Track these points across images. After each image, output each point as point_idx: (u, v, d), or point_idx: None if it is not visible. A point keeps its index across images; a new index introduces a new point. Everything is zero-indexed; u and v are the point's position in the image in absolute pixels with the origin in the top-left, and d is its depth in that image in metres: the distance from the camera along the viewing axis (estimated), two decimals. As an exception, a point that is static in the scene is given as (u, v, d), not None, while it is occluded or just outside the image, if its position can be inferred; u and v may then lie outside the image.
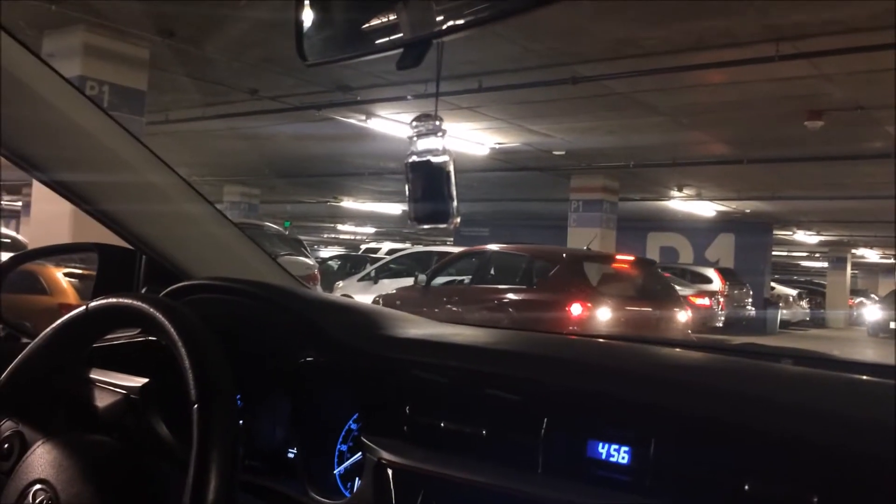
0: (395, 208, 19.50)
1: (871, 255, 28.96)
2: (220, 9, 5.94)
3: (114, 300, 0.97)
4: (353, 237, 31.76)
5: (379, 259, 15.20)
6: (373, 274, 13.16)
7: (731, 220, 18.32)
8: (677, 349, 1.17)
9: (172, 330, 0.86)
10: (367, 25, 0.76)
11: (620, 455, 0.80)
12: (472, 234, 21.64)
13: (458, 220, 0.94)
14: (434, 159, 0.92)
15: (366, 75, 7.62)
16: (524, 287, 8.27)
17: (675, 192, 15.25)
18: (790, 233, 21.22)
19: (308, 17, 0.80)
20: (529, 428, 0.85)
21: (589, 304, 7.48)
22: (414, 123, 0.91)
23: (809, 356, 1.16)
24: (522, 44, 6.47)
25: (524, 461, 0.85)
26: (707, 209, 16.79)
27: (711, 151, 10.83)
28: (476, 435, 0.89)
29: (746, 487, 0.70)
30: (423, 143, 0.92)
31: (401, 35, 0.72)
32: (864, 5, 5.27)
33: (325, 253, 27.30)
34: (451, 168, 0.93)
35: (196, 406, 0.81)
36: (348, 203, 20.18)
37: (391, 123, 9.50)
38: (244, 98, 8.64)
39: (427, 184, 0.94)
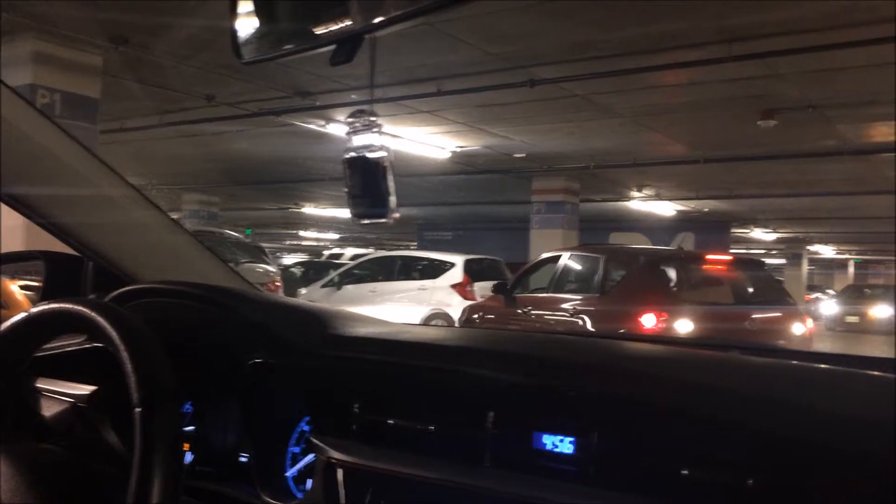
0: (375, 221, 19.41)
1: (827, 252, 29.65)
2: (174, 14, 5.87)
3: (55, 305, 0.96)
4: (316, 243, 31.59)
5: (342, 265, 15.14)
6: (336, 280, 13.11)
7: (690, 219, 18.62)
8: (628, 342, 1.19)
9: (114, 333, 0.85)
10: (300, 22, 0.76)
11: (565, 446, 0.81)
12: (436, 238, 21.69)
13: (398, 214, 0.95)
14: (370, 155, 0.92)
15: (325, 80, 7.59)
16: (596, 295, 7.32)
17: (635, 193, 15.45)
18: (748, 230, 21.62)
19: (242, 15, 0.80)
20: (476, 422, 0.86)
21: (665, 315, 6.52)
22: (350, 120, 0.91)
23: (756, 347, 1.18)
24: (480, 47, 6.51)
25: (472, 455, 0.86)
26: (667, 209, 17.04)
27: (669, 152, 10.99)
28: (424, 431, 0.89)
29: (685, 472, 0.71)
30: (359, 140, 0.92)
31: (333, 31, 0.72)
32: (814, 6, 5.40)
33: (288, 260, 27.09)
34: (389, 163, 0.93)
35: (138, 409, 0.80)
36: (310, 209, 20.07)
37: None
38: (201, 104, 8.55)
39: (364, 179, 0.94)
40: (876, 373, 0.89)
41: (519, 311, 7.90)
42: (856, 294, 21.98)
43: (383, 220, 0.98)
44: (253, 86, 7.84)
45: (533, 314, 7.74)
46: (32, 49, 6.43)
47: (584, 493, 0.78)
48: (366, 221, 1.01)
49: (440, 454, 0.88)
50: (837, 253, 30.54)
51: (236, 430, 1.16)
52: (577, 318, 7.12)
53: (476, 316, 8.88)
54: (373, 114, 0.91)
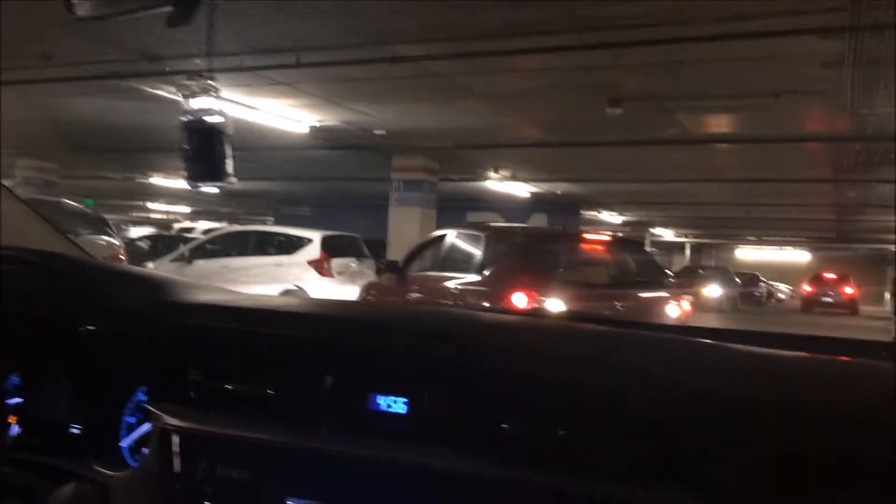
0: (211, 186, 18.70)
1: (667, 234, 31.65)
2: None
3: None
4: (165, 216, 30.15)
5: (194, 239, 14.57)
6: (187, 254, 12.61)
7: (543, 200, 19.27)
8: (474, 312, 1.24)
9: None
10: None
11: (399, 406, 0.85)
12: (294, 214, 21.28)
13: (234, 180, 0.95)
14: (208, 119, 0.91)
15: (176, 43, 7.24)
16: (474, 275, 7.11)
17: (491, 174, 15.82)
18: (597, 213, 22.68)
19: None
20: (314, 386, 0.88)
21: (535, 294, 6.31)
22: (186, 82, 0.90)
23: (580, 316, 1.27)
24: (342, 21, 6.43)
25: (310, 418, 0.88)
26: (522, 190, 17.57)
27: (524, 135, 11.34)
28: (263, 396, 0.91)
29: (505, 427, 0.77)
30: (196, 103, 0.91)
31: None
32: (657, 3, 5.72)
33: (135, 233, 25.73)
34: (226, 127, 0.92)
35: None
36: (159, 180, 19.12)
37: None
38: (37, 64, 7.92)
39: (201, 143, 0.93)
40: (693, 339, 0.99)
41: (408, 290, 7.72)
42: (690, 275, 23.62)
43: (220, 185, 0.97)
44: (97, 47, 7.36)
45: (420, 293, 7.56)
46: None
47: (416, 451, 0.83)
48: (201, 185, 1.00)
49: (279, 418, 0.90)
50: (676, 236, 32.69)
51: (68, 400, 1.12)
52: (455, 298, 6.97)
53: (370, 295, 8.66)
54: (210, 77, 0.90)
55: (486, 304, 6.42)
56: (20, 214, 1.37)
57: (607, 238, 7.64)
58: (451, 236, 7.92)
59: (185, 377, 0.96)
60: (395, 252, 13.65)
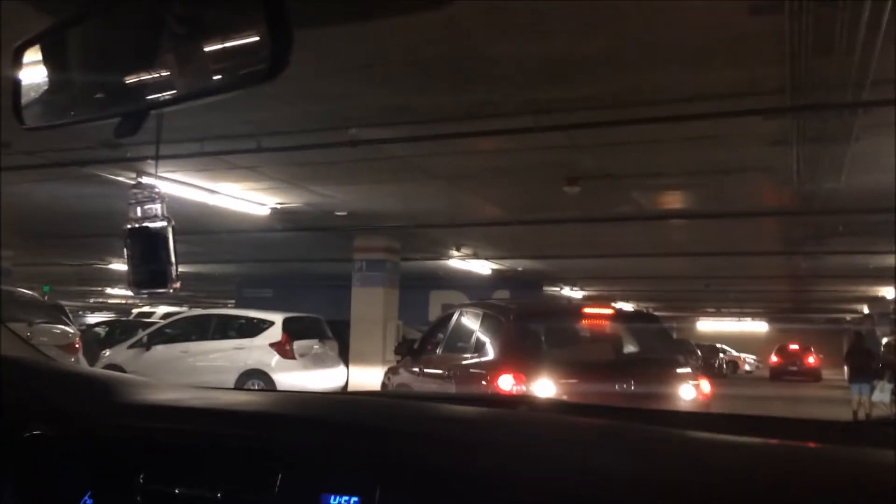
0: (177, 280, 18.50)
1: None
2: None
3: None
4: (124, 302, 29.62)
5: (153, 324, 14.32)
6: (145, 340, 12.38)
7: (505, 277, 19.42)
8: (445, 404, 1.22)
9: None
10: (85, 92, 0.76)
11: None
12: (256, 296, 21.08)
13: (178, 284, 0.95)
14: (152, 225, 0.92)
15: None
16: (467, 355, 6.71)
17: (453, 252, 15.94)
18: (558, 288, 22.87)
19: (27, 79, 0.79)
20: (264, 486, 0.86)
21: (523, 378, 5.74)
22: (132, 192, 0.92)
23: (561, 405, 1.26)
24: (301, 106, 6.54)
25: None
26: (484, 267, 17.70)
27: (484, 213, 11.49)
28: (211, 499, 0.88)
29: None
30: (140, 210, 0.92)
31: (118, 104, 0.73)
32: (606, 85, 5.93)
33: (93, 319, 25.19)
34: (170, 233, 0.93)
35: None
36: (118, 265, 18.87)
37: (166, 183, 9.10)
38: (-6, 152, 7.87)
39: (145, 249, 0.94)
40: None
41: (418, 372, 7.52)
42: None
43: (162, 291, 0.97)
44: (55, 134, 7.35)
45: (427, 375, 7.32)
46: None
47: None
48: (145, 292, 1.00)
49: None
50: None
51: None
52: (457, 380, 6.54)
53: (387, 379, 8.64)
54: (153, 186, 0.91)
55: (473, 387, 6.12)
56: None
57: (611, 311, 7.07)
58: (456, 315, 7.59)
59: (132, 481, 0.93)
60: (358, 333, 13.57)
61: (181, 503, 0.91)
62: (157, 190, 0.91)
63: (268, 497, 0.86)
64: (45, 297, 13.55)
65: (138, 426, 1.00)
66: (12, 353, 1.30)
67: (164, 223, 0.92)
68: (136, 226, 0.93)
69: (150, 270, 0.95)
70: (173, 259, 0.94)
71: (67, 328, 10.37)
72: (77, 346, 10.22)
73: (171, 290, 0.95)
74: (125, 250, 0.96)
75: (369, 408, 1.16)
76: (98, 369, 1.38)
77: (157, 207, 0.91)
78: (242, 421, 0.99)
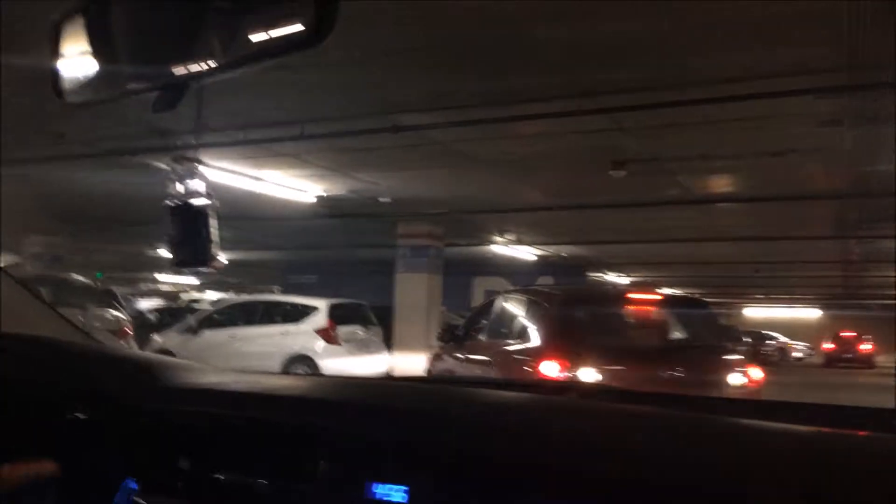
0: (221, 257, 18.80)
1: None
2: (14, 43, 5.54)
3: None
4: (174, 288, 30.22)
5: (201, 310, 14.57)
6: (194, 325, 12.60)
7: (549, 263, 19.26)
8: (491, 390, 1.20)
9: None
10: (123, 66, 0.75)
11: (398, 494, 0.81)
12: (301, 282, 21.30)
13: (222, 261, 0.93)
14: (195, 202, 0.91)
15: (185, 119, 7.37)
16: (518, 341, 6.54)
17: (497, 238, 15.86)
18: (602, 274, 22.62)
19: (66, 55, 0.78)
20: (308, 474, 0.85)
21: (568, 364, 5.60)
22: (172, 166, 0.91)
23: (608, 390, 1.22)
24: (345, 92, 6.55)
25: None
26: (528, 253, 17.58)
27: (528, 199, 11.39)
28: (254, 486, 0.87)
29: None
30: (182, 186, 0.91)
31: (157, 77, 0.72)
32: (651, 68, 5.81)
33: (145, 305, 25.75)
34: (212, 210, 0.92)
35: None
36: (167, 252, 19.23)
37: (214, 171, 9.21)
38: (50, 142, 8.07)
39: (187, 227, 0.93)
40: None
41: (462, 358, 7.39)
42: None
43: (205, 269, 0.96)
44: (107, 123, 7.49)
45: (471, 361, 7.21)
46: None
47: None
48: (187, 269, 1.00)
49: None
50: (684, 296, 32.48)
51: (51, 491, 1.08)
52: (501, 367, 6.42)
53: (432, 365, 8.58)
54: (197, 160, 0.90)
55: (517, 373, 5.97)
56: (17, 297, 1.36)
57: (659, 297, 6.93)
58: (500, 301, 7.52)
59: (176, 466, 0.93)
60: (402, 318, 13.62)
61: (224, 490, 0.90)
62: (197, 167, 0.89)
63: (311, 485, 0.85)
64: (98, 284, 13.88)
65: (180, 410, 0.99)
66: (63, 337, 1.32)
67: (206, 200, 0.91)
68: (177, 203, 0.92)
69: (191, 248, 0.94)
70: (215, 236, 0.93)
71: (119, 314, 10.61)
72: (129, 330, 10.45)
73: (213, 269, 0.94)
74: (168, 228, 0.95)
75: (415, 393, 1.14)
76: (142, 352, 1.39)
77: (197, 184, 0.90)
78: (286, 406, 0.98)
